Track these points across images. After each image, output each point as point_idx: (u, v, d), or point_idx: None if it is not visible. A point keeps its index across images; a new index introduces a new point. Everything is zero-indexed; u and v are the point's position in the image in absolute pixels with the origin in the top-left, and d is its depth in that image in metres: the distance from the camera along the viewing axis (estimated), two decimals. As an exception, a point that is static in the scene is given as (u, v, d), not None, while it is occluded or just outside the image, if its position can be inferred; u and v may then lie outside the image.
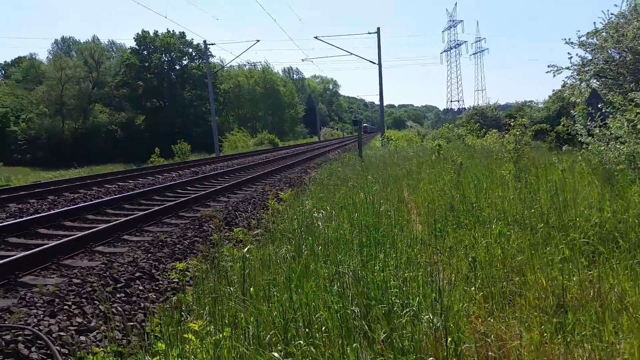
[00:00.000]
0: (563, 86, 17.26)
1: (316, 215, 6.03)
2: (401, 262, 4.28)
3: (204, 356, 2.99)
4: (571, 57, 15.68)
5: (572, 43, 15.20)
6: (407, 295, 3.45)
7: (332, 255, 4.57)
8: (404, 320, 3.09)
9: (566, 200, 5.93)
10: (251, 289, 3.97)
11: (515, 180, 8.21)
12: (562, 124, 10.72)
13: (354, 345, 2.82)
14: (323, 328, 3.24)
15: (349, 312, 3.28)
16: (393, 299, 3.39)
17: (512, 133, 10.48)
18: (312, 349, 2.94)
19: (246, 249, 4.67)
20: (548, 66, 16.24)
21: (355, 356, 2.75)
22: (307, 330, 3.18)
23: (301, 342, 3.00)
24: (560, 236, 4.59)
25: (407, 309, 3.22)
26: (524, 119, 10.66)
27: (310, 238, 5.22)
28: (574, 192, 6.52)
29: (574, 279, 3.68)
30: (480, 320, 3.48)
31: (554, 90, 22.05)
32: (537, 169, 8.80)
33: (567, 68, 16.35)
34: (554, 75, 16.19)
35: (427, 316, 3.12)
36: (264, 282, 4.13)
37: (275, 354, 2.77)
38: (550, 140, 11.55)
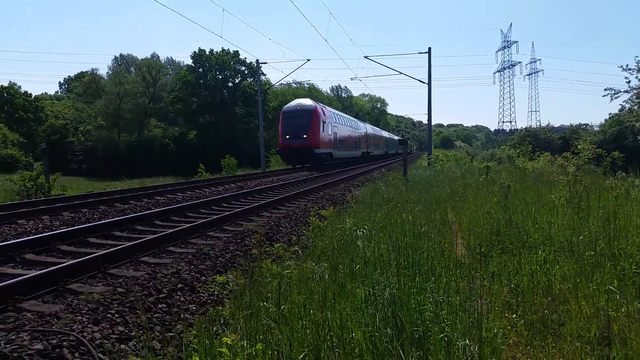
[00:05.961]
0: (621, 110, 16.52)
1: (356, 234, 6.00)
2: (439, 286, 4.18)
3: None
4: (629, 81, 14.95)
5: (629, 69, 14.51)
6: (443, 320, 3.36)
7: (369, 276, 4.53)
8: (437, 346, 3.01)
9: (618, 227, 5.65)
10: (283, 306, 3.98)
11: (567, 205, 7.90)
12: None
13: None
14: (356, 350, 3.19)
15: (382, 334, 3.22)
16: (428, 323, 3.31)
17: (578, 157, 10.07)
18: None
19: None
20: (605, 89, 15.57)
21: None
22: (339, 351, 3.15)
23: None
24: (610, 265, 4.38)
25: (442, 334, 3.14)
26: (591, 145, 10.25)
27: (347, 257, 5.19)
28: (628, 220, 6.21)
29: (622, 310, 3.49)
30: (520, 349, 3.35)
31: (610, 114, 21.16)
32: (589, 194, 8.45)
33: (626, 91, 15.62)
34: (611, 99, 15.52)
35: (462, 342, 3.04)
36: (300, 300, 4.13)
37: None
38: (605, 165, 11.07)
